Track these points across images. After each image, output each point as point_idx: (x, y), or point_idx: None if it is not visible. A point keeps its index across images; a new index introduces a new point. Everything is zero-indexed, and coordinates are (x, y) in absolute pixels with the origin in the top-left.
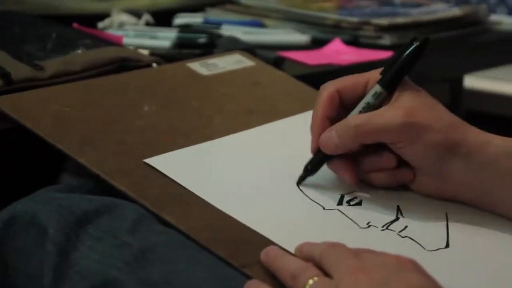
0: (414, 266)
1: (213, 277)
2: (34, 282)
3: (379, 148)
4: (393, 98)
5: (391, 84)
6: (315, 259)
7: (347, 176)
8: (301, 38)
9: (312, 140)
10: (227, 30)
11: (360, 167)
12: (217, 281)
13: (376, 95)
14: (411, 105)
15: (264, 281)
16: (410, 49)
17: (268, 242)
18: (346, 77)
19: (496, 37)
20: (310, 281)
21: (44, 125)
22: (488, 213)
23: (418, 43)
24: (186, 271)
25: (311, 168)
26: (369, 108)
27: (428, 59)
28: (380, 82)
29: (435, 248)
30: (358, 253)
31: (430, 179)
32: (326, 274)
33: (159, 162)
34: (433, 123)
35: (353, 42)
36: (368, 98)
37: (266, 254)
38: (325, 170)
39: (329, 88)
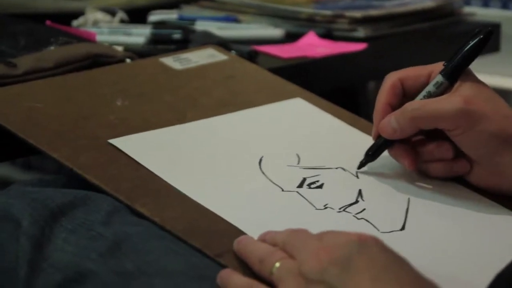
0: (375, 241)
1: (188, 267)
2: (9, 275)
3: (438, 138)
4: (454, 87)
5: (452, 75)
6: (278, 244)
7: (406, 162)
8: (275, 32)
9: (374, 126)
10: (201, 26)
11: (419, 157)
12: (192, 270)
13: (438, 85)
14: (470, 94)
15: (238, 270)
16: (474, 41)
17: (240, 231)
18: (411, 67)
19: (470, 28)
20: (277, 264)
21: (16, 121)
22: (453, 201)
23: (482, 36)
24: (160, 261)
25: (371, 154)
26: (430, 96)
27: (403, 51)
28: (442, 72)
29: (389, 230)
30: (319, 235)
31: (486, 172)
32: (292, 257)
33: (123, 143)
34: (490, 114)
35: (328, 35)
36: (430, 87)
37: (238, 243)
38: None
39: (392, 77)
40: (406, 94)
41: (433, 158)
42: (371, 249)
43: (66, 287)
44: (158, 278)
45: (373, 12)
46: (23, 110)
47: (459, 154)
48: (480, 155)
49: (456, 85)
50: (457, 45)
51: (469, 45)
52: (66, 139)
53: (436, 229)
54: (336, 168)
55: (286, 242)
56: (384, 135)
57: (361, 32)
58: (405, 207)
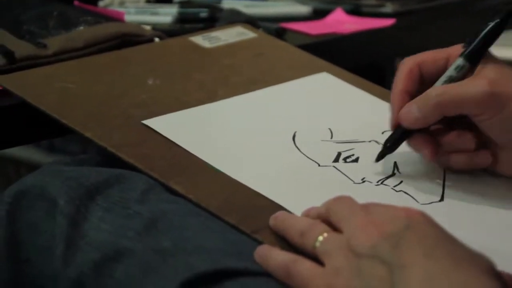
0: (424, 218)
1: (224, 243)
2: (46, 254)
3: (459, 128)
4: (476, 70)
5: (474, 57)
6: (322, 214)
7: (427, 152)
8: (303, 9)
9: (392, 116)
10: (228, 4)
11: (439, 147)
12: (228, 247)
13: (459, 68)
14: (494, 76)
15: (275, 246)
16: (495, 21)
17: (277, 206)
18: (427, 52)
19: (499, 3)
20: (320, 238)
21: (48, 101)
22: (487, 174)
23: (503, 16)
24: (196, 238)
25: (390, 145)
26: (452, 81)
27: (431, 26)
28: (462, 55)
29: (428, 202)
30: (366, 206)
31: None
32: (335, 229)
33: (157, 123)
34: None
35: (355, 11)
36: (451, 71)
37: (274, 219)
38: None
39: (408, 62)
40: (423, 80)
41: (454, 149)
42: (420, 224)
43: (103, 265)
44: (195, 254)
45: None
46: (55, 91)
47: (480, 145)
48: (508, 140)
49: (478, 67)
50: (485, 20)
51: (490, 26)
52: (98, 119)
53: (474, 200)
54: (370, 141)
55: (331, 210)
56: (405, 125)
57: (389, 8)
58: (442, 178)
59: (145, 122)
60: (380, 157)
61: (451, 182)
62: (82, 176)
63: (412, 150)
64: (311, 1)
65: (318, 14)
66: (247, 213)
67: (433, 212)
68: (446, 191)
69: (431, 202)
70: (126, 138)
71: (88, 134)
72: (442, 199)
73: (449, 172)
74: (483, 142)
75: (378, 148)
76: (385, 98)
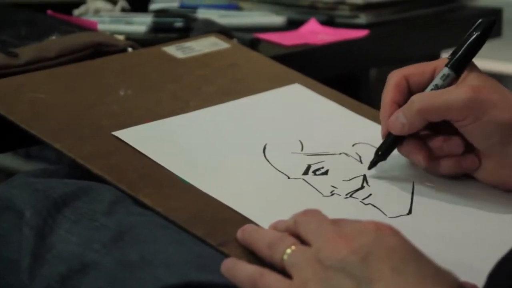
0: (392, 232)
1: (191, 256)
2: (13, 266)
3: (446, 134)
4: (460, 79)
5: (459, 66)
6: (290, 227)
7: (419, 158)
8: (277, 19)
9: (382, 125)
10: (203, 14)
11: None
12: (195, 260)
13: (444, 77)
14: (478, 84)
15: (242, 259)
16: (477, 32)
17: (244, 219)
18: (414, 64)
19: (472, 13)
20: (288, 250)
21: (19, 112)
22: (456, 184)
23: (484, 26)
24: (164, 251)
25: (382, 153)
26: (438, 90)
27: (405, 37)
28: (448, 64)
29: (396, 215)
30: (335, 221)
31: (495, 166)
32: (303, 242)
33: (127, 134)
34: (499, 102)
35: (329, 22)
36: (437, 80)
37: (242, 231)
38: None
39: (395, 75)
40: (411, 92)
41: (442, 154)
42: (389, 238)
43: (70, 278)
44: (162, 268)
45: None
46: (26, 101)
47: (467, 150)
48: (490, 146)
49: (462, 76)
50: (460, 30)
51: (474, 36)
52: (69, 129)
53: (442, 213)
54: (340, 154)
55: (299, 223)
56: (393, 132)
57: (362, 19)
58: (410, 191)
59: (115, 133)
60: (372, 165)
61: (419, 195)
62: (50, 188)
63: (381, 163)
64: (286, 11)
65: (292, 24)
66: (214, 226)
67: (400, 225)
68: (414, 204)
69: (399, 215)
70: (95, 149)
71: (57, 146)
72: (410, 212)
73: (418, 185)
74: (470, 148)
75: (348, 160)
76: (358, 110)
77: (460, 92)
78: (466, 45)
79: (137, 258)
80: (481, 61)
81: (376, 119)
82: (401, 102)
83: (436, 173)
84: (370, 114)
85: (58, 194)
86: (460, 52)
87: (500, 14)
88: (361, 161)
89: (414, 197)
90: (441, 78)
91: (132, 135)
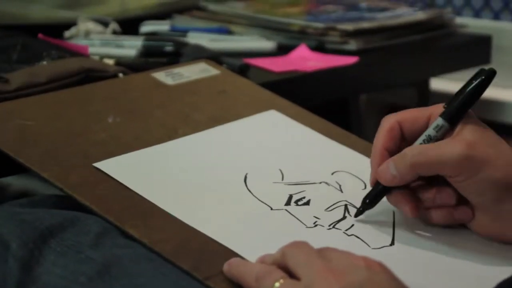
0: (382, 269)
1: None
2: None
3: (439, 184)
4: (455, 131)
5: (453, 117)
6: (278, 260)
7: (408, 209)
8: (267, 44)
9: (371, 173)
10: (193, 38)
11: (420, 202)
12: None
13: (438, 128)
14: (472, 139)
15: None
16: (476, 82)
17: (231, 252)
18: (409, 110)
19: (462, 40)
20: (277, 284)
21: (6, 139)
22: None
23: (483, 77)
24: (149, 284)
25: (369, 202)
26: (431, 140)
27: (395, 63)
28: (442, 115)
29: (379, 246)
30: (323, 252)
31: (489, 219)
32: (291, 275)
33: (108, 165)
34: (493, 159)
35: (319, 48)
36: (430, 130)
37: (228, 265)
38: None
39: (389, 119)
40: (404, 137)
41: (434, 204)
42: (380, 277)
43: None
44: None
45: (364, 25)
46: (14, 128)
47: (461, 201)
48: (483, 202)
49: (458, 128)
50: (450, 57)
51: (471, 86)
52: (56, 157)
53: (424, 243)
54: (320, 183)
55: (287, 255)
56: (382, 182)
57: (352, 45)
58: (391, 221)
59: (96, 164)
60: (358, 213)
61: (400, 226)
62: (37, 219)
63: (361, 192)
64: (276, 36)
65: (283, 49)
66: (200, 258)
67: (384, 256)
68: (396, 235)
69: (382, 247)
70: (83, 179)
71: (44, 175)
72: (392, 243)
73: (398, 215)
74: (464, 199)
75: (328, 190)
76: (346, 141)
77: (454, 147)
78: (462, 95)
79: None
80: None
81: (365, 151)
82: (393, 149)
83: (428, 222)
84: (359, 145)
85: (45, 225)
86: (456, 103)
87: (489, 40)
88: (341, 190)
89: (396, 228)
90: (434, 129)
91: (113, 166)
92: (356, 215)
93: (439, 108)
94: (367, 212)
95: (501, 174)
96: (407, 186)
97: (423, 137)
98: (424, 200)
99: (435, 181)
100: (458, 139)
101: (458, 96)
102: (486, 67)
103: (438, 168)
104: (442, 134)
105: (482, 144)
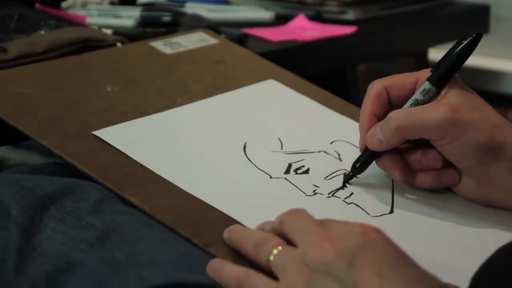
0: (379, 235)
1: (177, 256)
2: None
3: (426, 147)
4: (441, 95)
5: (440, 81)
6: (277, 228)
7: (396, 173)
8: (265, 14)
9: (360, 138)
10: (191, 8)
11: (408, 166)
12: (181, 260)
13: (425, 92)
14: (457, 102)
15: (228, 260)
16: (461, 46)
17: (230, 219)
18: (395, 75)
19: (460, 10)
20: (274, 251)
21: (5, 107)
22: None
23: (469, 39)
24: (149, 251)
25: (359, 166)
26: (418, 104)
27: (393, 33)
28: (429, 78)
29: (379, 214)
30: (321, 221)
31: (474, 183)
32: (289, 242)
33: (109, 134)
34: (477, 122)
35: (317, 17)
36: (417, 95)
37: (228, 232)
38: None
39: (376, 85)
40: (392, 103)
41: (421, 168)
42: (375, 242)
43: (55, 277)
44: (147, 268)
45: None
46: (13, 96)
47: (447, 164)
48: (467, 166)
49: (443, 92)
50: (448, 26)
51: (457, 50)
52: (55, 126)
53: (422, 211)
54: (319, 152)
55: (286, 223)
56: (370, 147)
57: (350, 15)
58: (390, 189)
59: (96, 132)
60: (348, 178)
61: (400, 193)
62: (37, 186)
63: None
64: (274, 6)
65: (281, 19)
66: (201, 225)
67: (384, 224)
68: (395, 202)
69: (382, 214)
70: (82, 147)
71: (44, 142)
72: (392, 211)
73: (397, 182)
74: (450, 162)
75: (327, 159)
76: (344, 110)
77: (438, 111)
78: (449, 59)
79: (123, 258)
80: (469, 58)
81: None
82: (381, 114)
83: (415, 186)
84: (357, 114)
85: (45, 192)
86: (442, 67)
87: (487, 10)
88: (340, 159)
89: (395, 195)
90: (421, 93)
91: (113, 135)
92: (346, 180)
93: (426, 73)
94: (366, 180)
95: (485, 137)
96: (396, 151)
97: (410, 101)
98: (411, 164)
99: (423, 144)
100: (442, 102)
101: (444, 60)
102: (484, 37)
103: (422, 131)
104: (429, 98)
105: (466, 108)
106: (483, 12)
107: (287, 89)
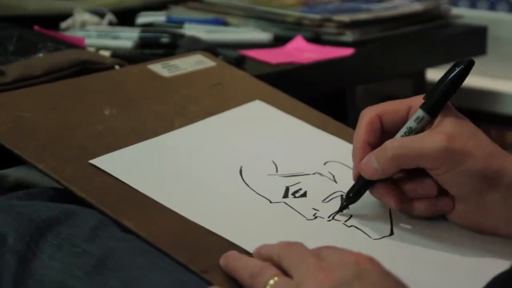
0: (373, 265)
1: (172, 283)
2: None
3: (420, 175)
4: (435, 123)
5: (434, 109)
6: (274, 259)
7: (391, 202)
8: (263, 36)
9: (354, 167)
10: (189, 29)
11: (403, 194)
12: (176, 287)
13: (419, 120)
14: (452, 131)
15: (224, 287)
16: (454, 73)
17: (227, 245)
18: (388, 102)
19: (458, 31)
20: (271, 281)
21: (2, 130)
22: None
23: (461, 67)
24: (145, 277)
25: (353, 196)
26: (412, 132)
27: (391, 54)
28: (422, 106)
29: (380, 237)
30: (316, 251)
31: (469, 210)
32: (286, 273)
33: (104, 162)
34: (473, 151)
35: (315, 39)
36: (411, 122)
37: (225, 258)
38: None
39: (369, 112)
40: (385, 130)
41: (416, 196)
42: (369, 273)
43: None
44: None
45: (361, 16)
46: (10, 119)
47: (442, 192)
48: (464, 194)
49: (437, 120)
50: (445, 48)
51: (450, 77)
52: (52, 149)
53: (421, 232)
54: (314, 174)
55: (282, 256)
56: (365, 176)
57: (349, 36)
58: (387, 210)
59: (92, 161)
60: (342, 208)
61: (397, 213)
62: (33, 211)
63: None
64: (272, 27)
65: (279, 41)
66: (198, 251)
67: (385, 247)
68: (394, 223)
69: (382, 237)
70: (79, 171)
71: (40, 166)
72: (392, 233)
73: None
74: (444, 190)
75: (323, 180)
76: (342, 133)
77: (434, 140)
78: (442, 87)
79: (118, 285)
80: (467, 78)
81: None
82: (374, 142)
83: (410, 213)
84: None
85: (42, 218)
86: (435, 94)
87: (485, 31)
88: (335, 180)
89: (393, 216)
90: (415, 121)
91: (109, 162)
92: (340, 209)
93: (418, 99)
94: (362, 203)
95: (481, 166)
96: (390, 179)
97: (404, 129)
98: (406, 192)
99: (417, 172)
100: (438, 131)
101: (437, 87)
102: (482, 58)
103: (418, 160)
104: (423, 126)
105: (461, 136)
106: (481, 33)
107: (273, 109)
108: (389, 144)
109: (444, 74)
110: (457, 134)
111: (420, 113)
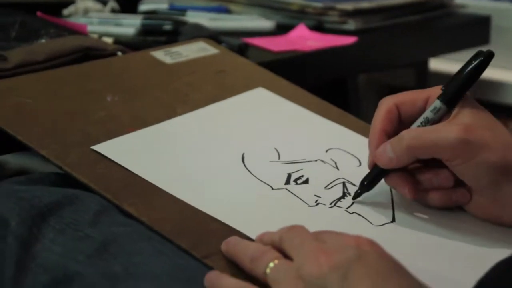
0: (373, 247)
1: (173, 268)
2: None
3: (436, 166)
4: (453, 114)
5: (451, 100)
6: (275, 242)
7: (406, 191)
8: (266, 24)
9: (369, 155)
10: (192, 17)
11: (418, 184)
12: (177, 272)
13: (436, 110)
14: (469, 122)
15: (225, 272)
16: (473, 64)
17: (229, 231)
18: (406, 92)
19: (461, 20)
20: (271, 264)
21: (5, 116)
22: None
23: (481, 58)
24: (147, 263)
25: (367, 184)
26: (428, 123)
27: (394, 43)
28: (440, 97)
29: (382, 223)
30: (318, 235)
31: (486, 202)
32: (286, 256)
33: (107, 148)
34: (490, 142)
35: (318, 27)
36: (427, 113)
37: (226, 243)
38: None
39: (387, 102)
40: (402, 120)
41: (431, 186)
42: (369, 255)
43: None
44: (144, 280)
45: (364, 5)
46: (12, 105)
47: (458, 183)
48: (480, 186)
49: (455, 111)
50: (448, 37)
51: (468, 69)
52: (55, 136)
53: (423, 219)
54: (316, 161)
55: (283, 239)
56: (380, 164)
57: (351, 25)
58: (390, 197)
59: (95, 147)
60: (357, 195)
61: (399, 202)
62: (35, 196)
63: (357, 168)
64: (275, 15)
65: (281, 29)
66: (199, 237)
67: (387, 233)
68: (396, 210)
69: (384, 224)
70: (82, 157)
71: (43, 152)
72: (393, 220)
73: (395, 190)
74: (461, 181)
75: (325, 167)
76: (344, 121)
77: (451, 131)
78: (460, 78)
79: (121, 270)
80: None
81: (363, 131)
82: (391, 131)
83: (425, 204)
84: (357, 125)
85: (44, 203)
86: (453, 85)
87: (488, 20)
88: (337, 167)
89: (395, 204)
90: (432, 111)
91: (111, 148)
92: (354, 197)
93: (437, 90)
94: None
95: (498, 158)
96: (405, 168)
97: (420, 119)
98: (421, 182)
99: (433, 163)
100: (455, 122)
101: (456, 78)
102: (485, 47)
103: (434, 151)
104: (440, 117)
105: (479, 128)
106: (484, 23)
107: (276, 96)
108: (405, 133)
109: (463, 66)
110: (474, 125)
111: (437, 103)
